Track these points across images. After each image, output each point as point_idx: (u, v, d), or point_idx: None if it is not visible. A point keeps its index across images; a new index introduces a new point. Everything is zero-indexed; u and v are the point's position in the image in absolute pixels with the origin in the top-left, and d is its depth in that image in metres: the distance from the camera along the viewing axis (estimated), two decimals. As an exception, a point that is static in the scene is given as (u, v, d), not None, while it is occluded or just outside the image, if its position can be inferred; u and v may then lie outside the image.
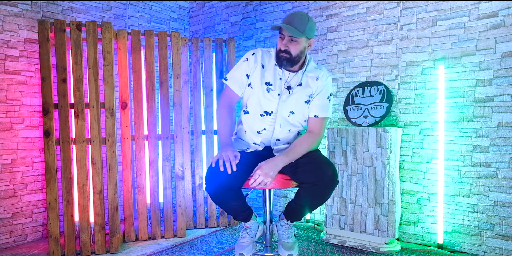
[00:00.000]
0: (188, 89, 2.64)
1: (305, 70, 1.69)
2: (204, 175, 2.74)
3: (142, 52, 2.51)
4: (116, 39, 2.40)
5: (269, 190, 1.77)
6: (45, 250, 2.30)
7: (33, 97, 2.49)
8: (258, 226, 1.81)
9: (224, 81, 1.76)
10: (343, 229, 2.35)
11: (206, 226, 2.76)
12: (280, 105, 1.69)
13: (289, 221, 1.75)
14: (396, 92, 2.42)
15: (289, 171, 1.59)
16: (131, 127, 2.82)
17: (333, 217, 2.39)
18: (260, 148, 1.75)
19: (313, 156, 1.62)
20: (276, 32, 2.86)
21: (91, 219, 2.31)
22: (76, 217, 2.26)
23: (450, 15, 2.20)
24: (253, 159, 1.65)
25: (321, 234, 2.50)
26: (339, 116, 2.67)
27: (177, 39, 2.56)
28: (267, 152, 1.74)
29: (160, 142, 2.56)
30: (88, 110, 2.25)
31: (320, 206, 2.53)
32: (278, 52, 1.63)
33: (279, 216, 1.82)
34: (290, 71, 1.70)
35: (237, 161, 1.52)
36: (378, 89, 2.43)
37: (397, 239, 2.39)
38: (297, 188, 1.65)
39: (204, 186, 1.59)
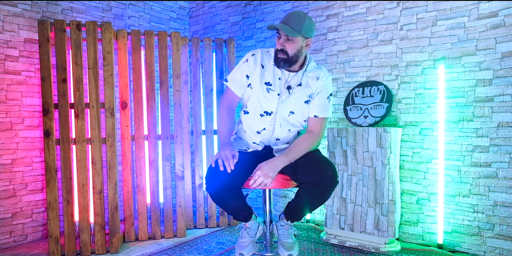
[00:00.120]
0: (188, 89, 2.64)
1: (305, 70, 1.70)
2: (204, 175, 2.74)
3: (142, 52, 2.51)
4: (116, 39, 2.40)
5: (269, 190, 1.77)
6: (45, 250, 2.30)
7: (33, 97, 2.49)
8: (258, 226, 1.81)
9: (224, 82, 1.77)
10: (343, 229, 2.35)
11: (206, 226, 2.76)
12: (280, 105, 1.69)
13: (289, 221, 1.75)
14: (396, 92, 2.42)
15: (289, 171, 1.59)
16: (131, 127, 2.82)
17: (333, 217, 2.39)
18: (260, 148, 1.75)
19: (313, 156, 1.62)
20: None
21: (91, 219, 2.31)
22: (76, 217, 2.26)
23: (450, 15, 2.20)
24: (253, 159, 1.66)
25: (321, 234, 2.50)
26: (339, 116, 2.67)
27: (177, 39, 2.56)
28: (267, 152, 1.74)
29: (160, 142, 2.56)
30: (88, 110, 2.25)
31: (320, 206, 2.52)
32: (276, 52, 1.63)
33: (279, 216, 1.82)
34: (290, 71, 1.70)
35: (236, 160, 1.52)
36: (378, 89, 2.43)
37: (397, 239, 2.39)
38: (297, 188, 1.65)
39: (204, 186, 1.59)
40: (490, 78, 2.09)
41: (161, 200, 2.63)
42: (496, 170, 2.07)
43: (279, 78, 1.69)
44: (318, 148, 1.73)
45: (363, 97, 2.48)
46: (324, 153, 2.62)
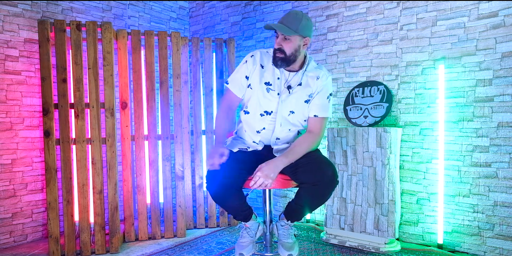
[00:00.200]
0: (188, 89, 2.64)
1: (305, 70, 1.70)
2: (205, 175, 2.74)
3: (142, 52, 2.51)
4: (116, 39, 2.40)
5: (269, 190, 1.77)
6: (45, 250, 2.30)
7: (33, 97, 2.49)
8: (258, 226, 1.81)
9: (225, 84, 1.78)
10: (343, 229, 2.35)
11: (206, 226, 2.76)
12: (280, 104, 1.69)
13: (289, 221, 1.75)
14: (396, 92, 2.42)
15: (289, 171, 1.59)
16: (131, 127, 2.82)
17: (333, 217, 2.39)
18: (260, 147, 1.75)
19: (313, 156, 1.62)
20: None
21: (91, 219, 2.31)
22: (76, 217, 2.26)
23: (450, 15, 2.20)
24: (253, 159, 1.66)
25: (321, 234, 2.50)
26: (339, 116, 2.67)
27: (177, 39, 2.56)
28: (267, 152, 1.75)
29: (160, 142, 2.56)
30: (88, 110, 2.25)
31: (320, 206, 2.52)
32: (274, 52, 1.64)
33: (279, 216, 1.82)
34: (290, 71, 1.70)
35: (225, 158, 1.52)
36: (378, 89, 2.43)
37: (397, 239, 2.39)
38: (297, 188, 1.65)
39: (205, 185, 1.59)
40: (490, 78, 2.08)
41: (161, 200, 2.63)
42: (496, 170, 2.07)
43: (278, 78, 1.69)
44: (318, 148, 1.73)
45: (363, 97, 2.48)
46: (324, 153, 2.62)
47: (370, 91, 2.46)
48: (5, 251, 2.30)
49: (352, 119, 2.50)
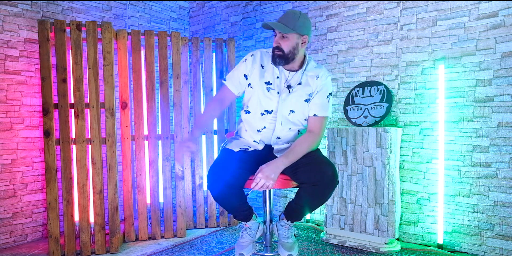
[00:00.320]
0: (188, 89, 2.64)
1: (305, 69, 1.71)
2: (205, 174, 2.74)
3: (142, 52, 2.51)
4: (116, 39, 2.40)
5: (269, 190, 1.77)
6: (45, 250, 2.30)
7: (33, 97, 2.49)
8: (258, 226, 1.81)
9: (223, 81, 1.80)
10: (343, 229, 2.35)
11: (206, 226, 2.76)
12: (280, 103, 1.70)
13: (289, 221, 1.75)
14: (396, 92, 2.42)
15: (289, 171, 1.59)
16: (131, 127, 2.82)
17: (333, 217, 2.39)
18: (260, 147, 1.75)
19: (313, 156, 1.62)
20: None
21: (91, 219, 2.31)
22: (76, 217, 2.26)
23: (450, 15, 2.20)
24: (254, 159, 1.67)
25: (321, 234, 2.50)
26: (339, 116, 2.67)
27: (177, 39, 2.56)
28: (267, 152, 1.75)
29: (160, 142, 2.56)
30: (88, 110, 2.25)
31: (320, 206, 2.52)
32: (273, 50, 1.66)
33: (279, 216, 1.82)
34: (290, 70, 1.71)
35: (193, 149, 1.62)
36: (378, 89, 2.43)
37: (397, 239, 2.39)
38: (297, 188, 1.65)
39: (205, 184, 1.60)
40: (490, 78, 2.09)
41: (161, 200, 2.63)
42: (496, 170, 2.07)
43: (278, 77, 1.70)
44: (318, 148, 1.73)
45: (363, 97, 2.48)
46: (324, 153, 2.62)
47: (370, 91, 2.46)
48: (5, 251, 2.30)
49: (352, 119, 2.50)
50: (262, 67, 1.72)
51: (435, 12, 2.25)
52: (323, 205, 2.59)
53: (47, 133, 2.15)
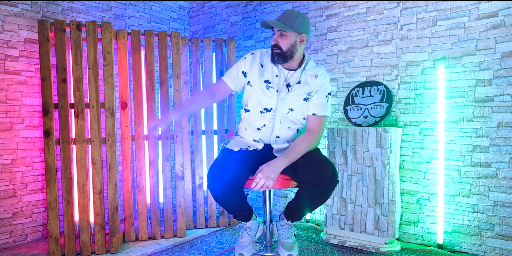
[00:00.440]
0: (188, 89, 2.64)
1: (303, 68, 1.72)
2: (205, 174, 2.74)
3: (142, 52, 2.51)
4: (116, 39, 2.40)
5: (269, 190, 1.77)
6: (45, 250, 2.30)
7: (33, 97, 2.49)
8: (258, 226, 1.81)
9: (221, 77, 1.84)
10: (343, 229, 2.35)
11: (206, 226, 2.76)
12: (280, 102, 1.71)
13: (289, 221, 1.76)
14: (396, 92, 2.42)
15: (289, 171, 1.60)
16: (131, 127, 2.82)
17: (333, 217, 2.39)
18: (260, 146, 1.76)
19: (313, 155, 1.62)
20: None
21: (91, 219, 2.31)
22: (76, 217, 2.26)
23: (450, 15, 2.20)
24: (254, 158, 1.68)
25: (321, 234, 2.50)
26: (339, 116, 2.67)
27: (177, 39, 2.56)
28: (267, 152, 1.75)
29: (160, 142, 2.56)
30: (88, 110, 2.25)
31: (320, 206, 2.53)
32: (272, 48, 1.68)
33: (279, 216, 1.83)
34: (289, 69, 1.72)
35: (162, 127, 1.72)
36: (378, 89, 2.43)
37: (397, 239, 2.39)
38: (297, 188, 1.65)
39: (206, 184, 1.60)
40: (490, 78, 2.08)
41: (161, 200, 2.63)
42: (496, 170, 2.07)
43: (277, 76, 1.72)
44: (318, 147, 1.73)
45: (363, 97, 2.48)
46: (324, 153, 2.62)
47: (370, 91, 2.46)
48: (5, 251, 2.30)
49: (352, 119, 2.50)
50: (262, 66, 1.74)
51: (435, 12, 2.25)
52: (323, 205, 2.59)
53: (47, 133, 2.15)
